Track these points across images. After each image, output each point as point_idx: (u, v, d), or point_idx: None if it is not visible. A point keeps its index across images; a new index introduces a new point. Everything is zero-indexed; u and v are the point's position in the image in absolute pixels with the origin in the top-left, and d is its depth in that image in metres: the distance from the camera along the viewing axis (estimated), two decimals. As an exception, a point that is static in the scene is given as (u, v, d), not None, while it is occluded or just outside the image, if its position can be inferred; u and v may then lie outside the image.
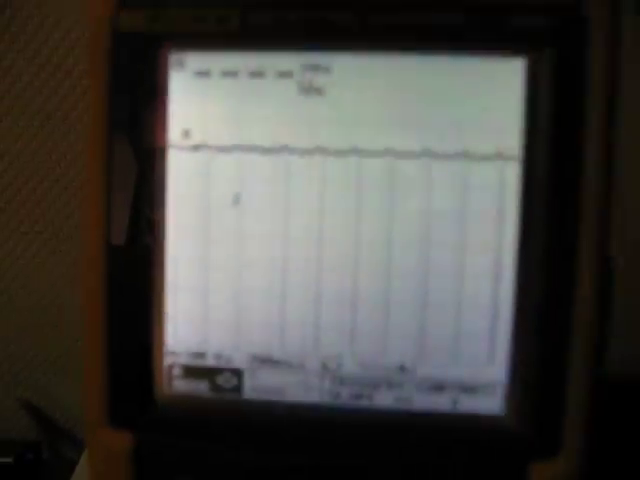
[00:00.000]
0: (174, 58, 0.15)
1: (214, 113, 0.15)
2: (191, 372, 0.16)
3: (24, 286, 0.43)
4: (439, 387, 0.15)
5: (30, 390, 0.58)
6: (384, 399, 0.15)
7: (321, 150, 0.15)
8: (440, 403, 0.15)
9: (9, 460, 0.52)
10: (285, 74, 0.15)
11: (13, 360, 0.58)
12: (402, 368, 0.15)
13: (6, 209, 0.35)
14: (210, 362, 0.16)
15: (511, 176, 0.15)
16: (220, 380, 0.16)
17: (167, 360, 0.16)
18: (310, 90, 0.15)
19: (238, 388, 0.16)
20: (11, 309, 0.54)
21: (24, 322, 0.54)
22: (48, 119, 0.33)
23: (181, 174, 0.15)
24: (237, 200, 0.15)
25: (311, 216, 0.15)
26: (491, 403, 0.15)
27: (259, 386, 0.16)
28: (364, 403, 0.15)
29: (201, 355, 0.16)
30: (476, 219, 0.15)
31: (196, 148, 0.15)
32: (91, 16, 0.15)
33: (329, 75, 0.15)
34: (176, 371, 0.16)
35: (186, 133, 0.15)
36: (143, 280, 0.15)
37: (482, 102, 0.15)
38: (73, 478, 0.29)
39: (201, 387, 0.16)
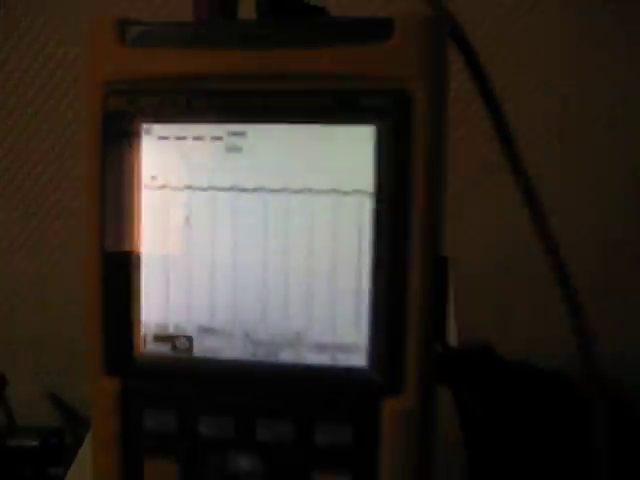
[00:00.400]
0: (144, 127, 0.23)
1: (171, 164, 0.23)
2: (158, 338, 0.23)
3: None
4: (323, 348, 0.23)
5: (53, 382, 0.67)
6: (286, 357, 0.23)
7: (239, 189, 0.22)
8: (324, 359, 0.23)
9: (35, 444, 0.62)
10: (217, 138, 0.22)
11: (38, 353, 0.67)
12: (297, 334, 0.23)
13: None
14: (170, 331, 0.23)
15: (367, 207, 0.22)
16: (178, 343, 0.23)
17: (142, 330, 0.23)
18: (233, 149, 0.22)
19: (190, 349, 0.23)
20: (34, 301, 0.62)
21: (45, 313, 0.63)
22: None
23: (151, 205, 0.23)
24: (188, 221, 0.23)
25: (231, 232, 0.22)
26: (358, 359, 0.22)
27: (204, 348, 0.23)
28: (272, 359, 0.23)
29: (165, 326, 0.23)
30: (346, 235, 0.22)
31: (160, 187, 0.23)
32: (89, 104, 0.22)
33: (245, 138, 0.22)
34: (148, 337, 0.23)
35: (153, 177, 0.23)
36: (127, 276, 0.23)
37: (349, 157, 0.22)
38: (81, 450, 0.36)
39: (165, 348, 0.23)
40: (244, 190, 0.22)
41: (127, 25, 0.22)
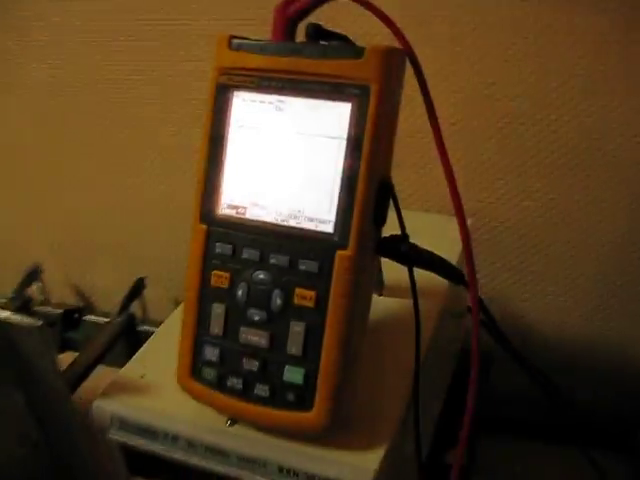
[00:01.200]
0: (235, 94, 0.43)
1: (248, 115, 0.43)
2: (230, 206, 0.43)
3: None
4: (311, 219, 0.41)
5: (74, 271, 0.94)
6: (292, 223, 0.42)
7: (281, 130, 0.42)
8: (311, 226, 0.42)
9: (60, 311, 0.88)
10: (270, 103, 0.42)
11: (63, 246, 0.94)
12: (299, 210, 0.42)
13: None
14: (236, 203, 0.43)
15: (343, 145, 0.40)
16: (239, 210, 0.43)
17: (222, 199, 0.43)
18: (278, 109, 0.42)
19: (244, 214, 0.43)
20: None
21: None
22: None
23: (235, 134, 0.43)
24: (253, 143, 0.43)
25: (273, 151, 0.42)
26: (328, 227, 0.41)
27: (253, 214, 0.43)
28: (285, 224, 0.42)
29: (233, 199, 0.43)
30: (332, 157, 0.41)
31: (240, 127, 0.43)
32: (211, 79, 0.43)
33: (284, 104, 0.42)
34: (224, 205, 0.43)
35: (238, 121, 0.43)
36: (218, 168, 0.43)
37: (336, 119, 0.41)
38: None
39: (232, 212, 0.43)
40: (283, 131, 0.42)
41: (233, 39, 0.42)
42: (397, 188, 0.42)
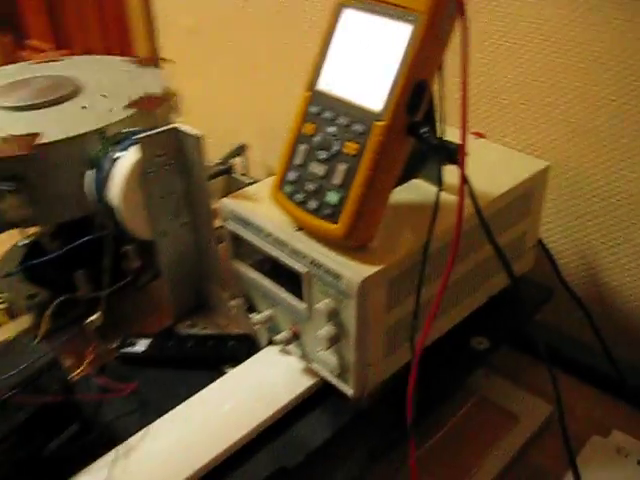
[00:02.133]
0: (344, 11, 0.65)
1: (347, 26, 0.65)
2: (324, 84, 0.66)
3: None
4: (369, 99, 0.63)
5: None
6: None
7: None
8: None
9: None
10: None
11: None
12: (365, 91, 0.63)
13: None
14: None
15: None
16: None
17: (321, 79, 0.66)
18: (367, 23, 0.63)
19: (332, 90, 0.65)
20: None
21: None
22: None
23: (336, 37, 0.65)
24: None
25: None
26: (379, 106, 0.62)
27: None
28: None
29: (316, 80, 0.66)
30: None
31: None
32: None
33: (372, 21, 0.63)
34: (321, 83, 0.66)
35: (342, 25, 0.65)
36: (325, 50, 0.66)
37: (397, 29, 0.61)
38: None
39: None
40: (364, 39, 0.63)
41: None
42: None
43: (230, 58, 1.38)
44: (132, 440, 0.69)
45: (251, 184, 0.79)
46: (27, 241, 1.04)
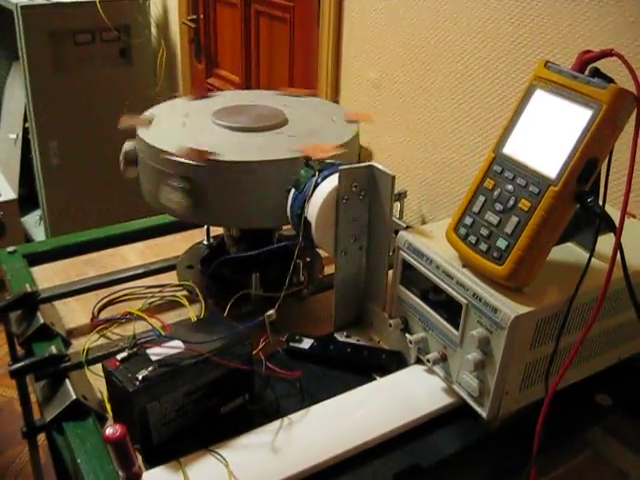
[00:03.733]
0: (536, 90, 0.77)
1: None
2: (509, 149, 0.78)
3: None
4: (547, 167, 0.74)
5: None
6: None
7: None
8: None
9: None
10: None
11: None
12: (544, 160, 0.75)
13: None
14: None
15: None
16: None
17: (506, 145, 0.79)
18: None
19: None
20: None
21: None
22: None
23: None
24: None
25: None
26: (553, 175, 0.74)
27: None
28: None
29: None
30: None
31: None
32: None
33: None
34: (506, 147, 0.79)
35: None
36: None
37: (580, 112, 0.73)
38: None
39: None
40: (549, 117, 0.76)
41: (548, 63, 0.77)
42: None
43: (404, 114, 1.54)
44: (294, 416, 0.82)
45: (406, 228, 0.92)
46: (208, 242, 1.22)
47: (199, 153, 0.92)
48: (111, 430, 0.64)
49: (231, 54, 2.37)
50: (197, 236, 1.27)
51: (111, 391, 0.79)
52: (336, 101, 1.75)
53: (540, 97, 0.77)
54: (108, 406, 0.83)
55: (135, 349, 0.77)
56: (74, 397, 0.84)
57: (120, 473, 0.66)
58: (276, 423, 0.81)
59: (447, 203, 1.42)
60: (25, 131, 2.61)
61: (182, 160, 0.92)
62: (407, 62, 1.49)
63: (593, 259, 0.78)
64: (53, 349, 0.91)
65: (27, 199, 2.81)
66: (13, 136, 2.75)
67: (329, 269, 1.10)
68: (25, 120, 2.59)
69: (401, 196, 1.41)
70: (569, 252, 0.85)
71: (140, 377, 0.73)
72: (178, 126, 1.06)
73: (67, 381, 0.88)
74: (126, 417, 0.75)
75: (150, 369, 0.75)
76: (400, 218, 1.41)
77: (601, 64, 0.74)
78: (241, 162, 0.92)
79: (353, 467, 0.78)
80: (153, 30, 2.72)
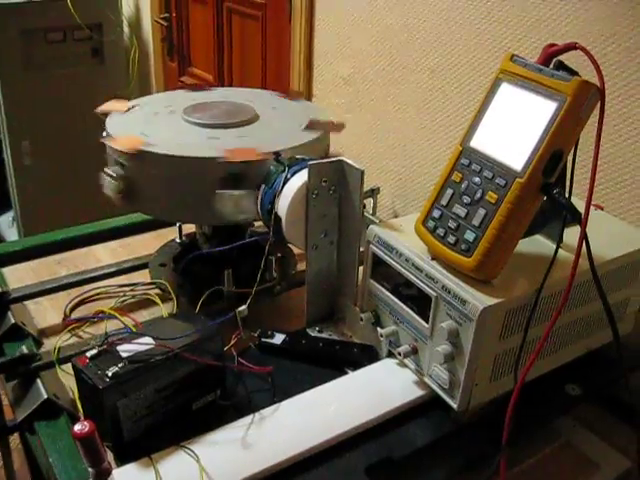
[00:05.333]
0: (501, 84, 0.78)
1: None
2: (475, 142, 0.79)
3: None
4: (512, 159, 0.75)
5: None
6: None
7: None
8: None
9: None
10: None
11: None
12: (508, 152, 0.76)
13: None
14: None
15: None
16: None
17: (472, 138, 0.79)
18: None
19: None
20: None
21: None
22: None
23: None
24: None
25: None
26: (519, 166, 0.74)
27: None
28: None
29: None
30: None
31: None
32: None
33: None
34: (472, 141, 0.79)
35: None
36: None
37: (543, 104, 0.74)
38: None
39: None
40: (514, 110, 0.76)
41: (514, 56, 0.78)
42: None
43: (376, 110, 1.54)
44: (265, 411, 0.82)
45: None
46: (181, 240, 1.21)
47: (130, 142, 0.93)
48: (80, 426, 0.63)
49: (204, 52, 2.36)
50: (170, 234, 1.27)
51: (81, 389, 0.78)
52: (309, 99, 1.75)
53: (506, 90, 0.78)
54: (79, 404, 0.82)
55: (105, 346, 0.77)
56: (45, 396, 0.84)
57: (89, 470, 0.66)
58: (247, 418, 0.81)
59: (420, 198, 1.44)
60: (-4, 131, 2.58)
61: (116, 147, 0.95)
62: (378, 58, 1.49)
63: (561, 251, 0.79)
64: (24, 349, 0.90)
65: (-1, 200, 2.78)
66: (-16, 136, 2.72)
67: (302, 266, 1.10)
68: (-4, 120, 2.56)
69: (374, 192, 1.41)
70: (538, 244, 0.86)
71: (110, 374, 0.73)
72: (149, 115, 1.06)
73: (38, 380, 0.87)
74: (97, 414, 0.74)
75: (120, 366, 0.74)
76: (373, 214, 1.42)
77: (567, 58, 0.75)
78: (165, 155, 0.93)
79: (325, 460, 0.78)
80: (125, 28, 2.70)
